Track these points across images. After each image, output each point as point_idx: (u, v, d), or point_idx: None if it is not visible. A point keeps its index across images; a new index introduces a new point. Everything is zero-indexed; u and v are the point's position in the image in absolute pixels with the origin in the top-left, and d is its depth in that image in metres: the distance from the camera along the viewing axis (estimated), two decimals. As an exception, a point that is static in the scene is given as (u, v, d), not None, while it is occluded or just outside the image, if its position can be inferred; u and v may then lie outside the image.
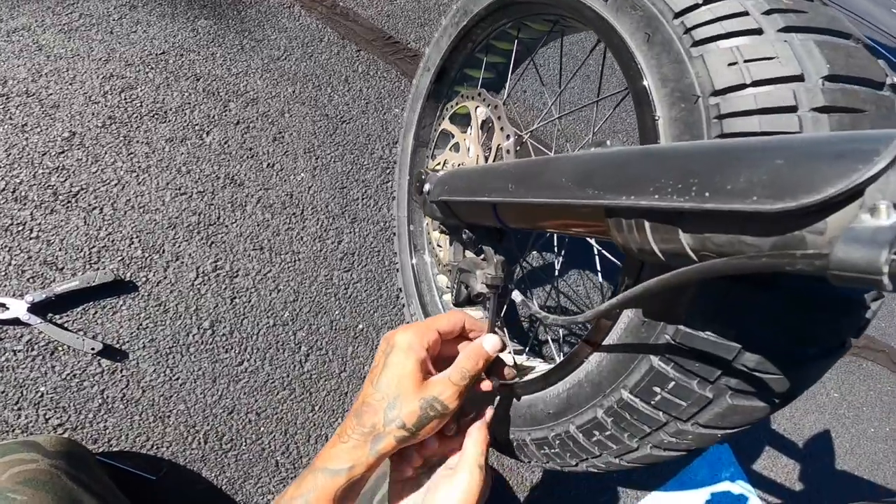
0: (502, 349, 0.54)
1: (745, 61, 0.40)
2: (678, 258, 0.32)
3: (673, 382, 0.42)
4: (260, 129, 1.27)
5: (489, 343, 0.51)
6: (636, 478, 1.34)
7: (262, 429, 1.02)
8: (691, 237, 0.30)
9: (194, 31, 1.39)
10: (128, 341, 0.98)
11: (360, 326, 1.12)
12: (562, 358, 0.70)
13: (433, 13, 1.68)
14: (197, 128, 1.22)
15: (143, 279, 1.04)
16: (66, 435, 0.89)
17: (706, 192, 0.28)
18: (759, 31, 0.41)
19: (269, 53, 1.40)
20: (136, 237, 1.07)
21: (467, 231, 0.69)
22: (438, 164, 0.90)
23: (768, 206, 0.24)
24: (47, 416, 0.89)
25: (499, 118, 0.71)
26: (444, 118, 0.90)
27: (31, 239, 1.01)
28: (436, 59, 0.96)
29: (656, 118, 0.46)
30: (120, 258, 1.04)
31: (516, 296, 0.68)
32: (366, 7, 1.58)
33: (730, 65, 0.41)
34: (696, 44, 0.43)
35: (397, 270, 1.10)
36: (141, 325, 1.00)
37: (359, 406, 0.47)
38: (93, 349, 0.93)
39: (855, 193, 0.21)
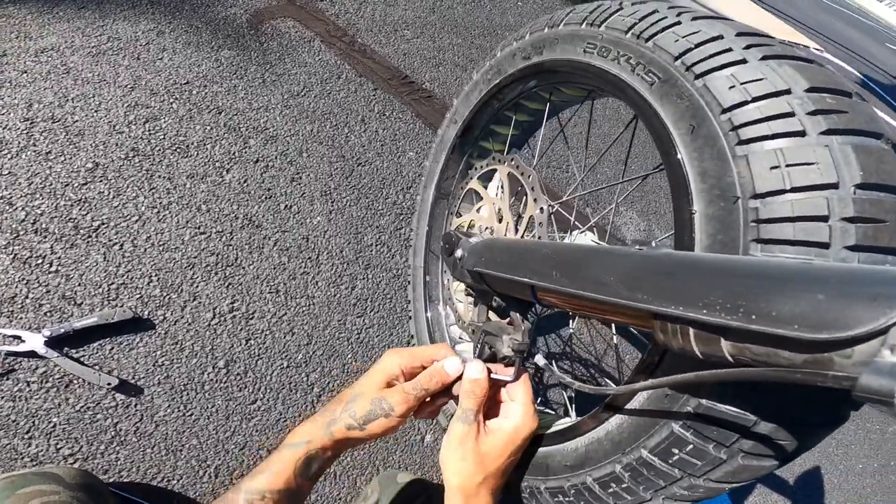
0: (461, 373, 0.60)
1: (787, 165, 0.41)
2: (714, 357, 0.36)
3: (691, 446, 0.46)
4: (278, 169, 1.30)
5: (450, 366, 0.59)
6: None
7: (271, 466, 1.07)
8: (732, 345, 0.33)
9: (218, 61, 1.41)
10: (143, 377, 1.01)
11: None
12: (574, 413, 0.74)
13: (447, 53, 1.72)
14: (217, 164, 1.25)
15: (161, 318, 1.07)
16: (76, 465, 0.92)
17: (752, 315, 0.30)
18: (802, 134, 0.42)
19: (289, 89, 1.43)
20: (155, 275, 1.10)
21: (498, 298, 0.72)
22: (464, 223, 0.93)
23: (808, 335, 0.28)
24: (58, 446, 0.92)
25: (532, 189, 0.74)
26: (472, 177, 0.93)
27: (49, 273, 1.03)
28: (464, 113, 0.99)
29: (693, 212, 0.47)
30: (138, 296, 1.07)
31: (539, 360, 0.69)
32: (383, 45, 1.62)
33: (772, 168, 0.42)
34: (742, 143, 0.44)
35: (409, 318, 1.15)
36: (157, 362, 1.03)
37: (331, 401, 0.57)
38: (109, 384, 0.96)
39: (880, 332, 0.25)
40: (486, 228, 0.84)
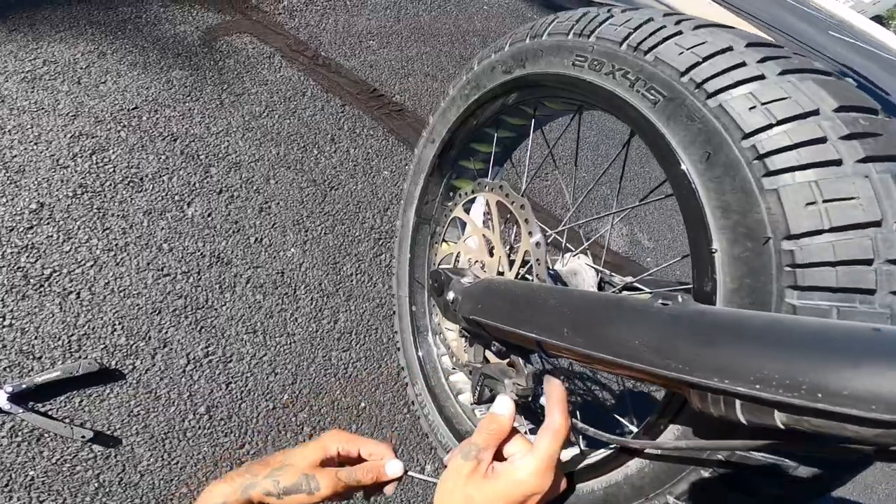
0: (400, 478, 0.56)
1: (825, 201, 0.37)
2: (762, 426, 0.32)
3: (722, 491, 0.43)
4: (245, 199, 1.21)
5: (391, 468, 0.55)
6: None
7: (267, 513, 0.99)
8: (787, 417, 0.30)
9: (169, 82, 1.31)
10: (120, 428, 0.93)
11: (363, 405, 1.10)
12: (581, 444, 0.68)
13: (416, 62, 1.65)
14: (177, 198, 1.15)
15: (130, 367, 0.98)
16: None
17: (818, 394, 0.27)
18: (838, 163, 0.37)
19: (250, 109, 1.33)
20: (119, 323, 1.00)
21: (497, 343, 0.66)
22: (451, 253, 0.87)
23: (888, 417, 0.24)
24: (41, 499, 0.84)
25: (526, 221, 0.66)
26: (457, 203, 0.86)
27: (3, 327, 0.94)
28: (441, 132, 0.91)
29: (713, 250, 0.42)
30: (103, 346, 0.98)
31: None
32: (348, 57, 1.53)
33: (808, 205, 0.37)
34: (771, 174, 0.38)
35: (398, 349, 1.07)
36: (132, 412, 0.94)
37: (256, 462, 0.54)
38: (83, 437, 0.88)
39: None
40: (477, 262, 0.77)
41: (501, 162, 0.98)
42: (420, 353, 1.02)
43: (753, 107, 0.41)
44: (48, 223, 1.04)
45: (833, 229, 0.36)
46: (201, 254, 1.10)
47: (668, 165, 0.48)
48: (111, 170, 1.14)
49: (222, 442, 0.98)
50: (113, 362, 0.96)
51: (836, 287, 0.36)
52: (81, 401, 0.92)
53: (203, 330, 1.04)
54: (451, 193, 1.00)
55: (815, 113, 0.39)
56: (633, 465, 0.51)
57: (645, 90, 0.50)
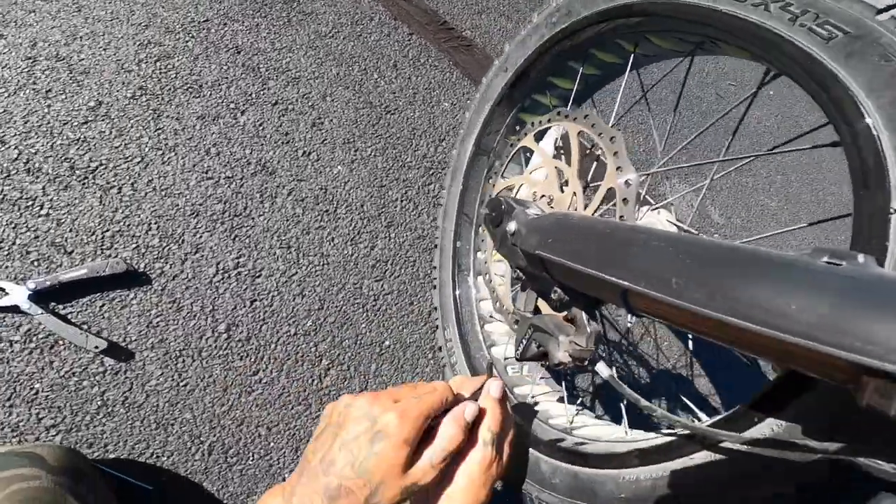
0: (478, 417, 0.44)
1: None
2: None
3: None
4: (299, 113, 1.08)
5: (469, 412, 0.43)
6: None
7: (271, 444, 0.87)
8: None
9: (241, -1, 1.19)
10: (135, 340, 0.83)
11: (387, 343, 0.95)
12: (627, 426, 0.55)
13: (491, 1, 1.44)
14: (232, 106, 1.04)
15: (158, 271, 0.88)
16: (59, 437, 0.76)
17: None
18: None
19: (316, 29, 1.19)
20: (155, 223, 0.90)
21: (559, 290, 0.51)
22: (510, 187, 0.69)
23: None
24: (40, 416, 0.76)
25: (615, 154, 0.52)
26: (527, 133, 0.70)
27: (39, 216, 0.86)
28: (517, 60, 0.77)
29: (892, 211, 0.33)
30: (134, 245, 0.89)
31: (602, 370, 0.49)
32: (423, -13, 1.35)
33: None
34: None
35: (434, 287, 0.90)
36: (151, 322, 0.85)
37: (335, 491, 0.39)
38: (97, 347, 0.79)
39: None
40: (543, 197, 0.62)
41: (581, 102, 0.81)
42: (457, 294, 0.84)
43: None
44: (103, 120, 0.96)
45: None
46: (247, 161, 0.99)
47: (838, 110, 0.37)
48: (173, 76, 1.05)
49: (236, 366, 0.87)
50: (142, 265, 0.87)
51: None
52: (103, 305, 0.83)
53: (237, 239, 0.92)
54: (518, 127, 0.83)
55: None
56: (699, 457, 0.41)
57: (814, 24, 0.38)
